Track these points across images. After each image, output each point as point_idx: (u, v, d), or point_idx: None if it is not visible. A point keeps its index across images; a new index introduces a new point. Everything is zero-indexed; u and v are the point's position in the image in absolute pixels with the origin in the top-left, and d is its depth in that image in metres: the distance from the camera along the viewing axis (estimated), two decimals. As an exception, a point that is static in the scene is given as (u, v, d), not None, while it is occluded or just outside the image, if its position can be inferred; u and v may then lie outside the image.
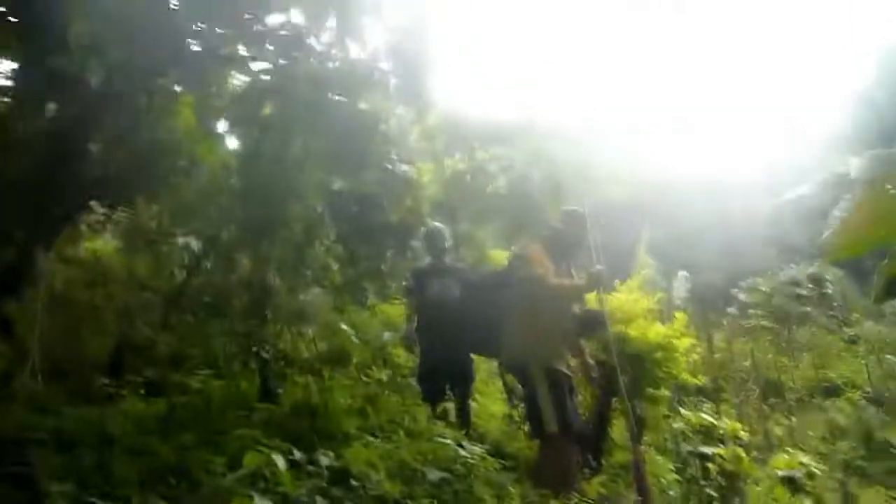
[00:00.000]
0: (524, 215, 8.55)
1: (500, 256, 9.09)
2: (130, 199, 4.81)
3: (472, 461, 4.00)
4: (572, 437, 5.01)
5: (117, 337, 4.60)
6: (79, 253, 5.24)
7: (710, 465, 6.60)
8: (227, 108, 4.71)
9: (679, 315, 6.48)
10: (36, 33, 3.81)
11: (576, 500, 4.71)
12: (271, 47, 4.55)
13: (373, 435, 4.05)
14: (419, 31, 4.81)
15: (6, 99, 4.26)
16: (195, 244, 4.87)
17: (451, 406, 5.77)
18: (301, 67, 4.61)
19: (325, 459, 3.32)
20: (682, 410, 7.90)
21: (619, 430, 6.00)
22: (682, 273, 15.66)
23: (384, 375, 5.94)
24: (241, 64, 4.57)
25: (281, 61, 4.58)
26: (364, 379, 5.48)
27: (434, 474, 3.67)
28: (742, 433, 7.67)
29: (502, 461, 4.81)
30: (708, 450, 6.75)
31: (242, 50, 4.49)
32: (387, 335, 6.71)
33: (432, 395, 5.57)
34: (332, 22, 4.67)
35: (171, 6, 4.09)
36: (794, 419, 12.16)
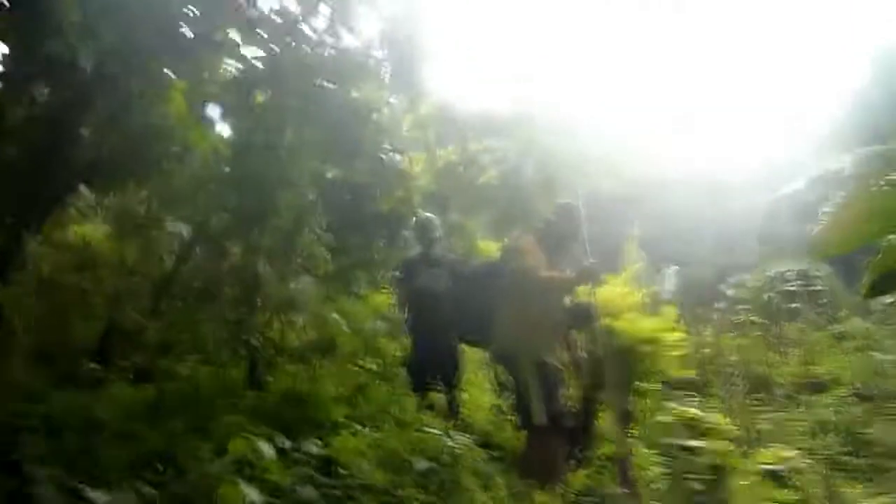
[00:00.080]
0: (516, 207, 8.58)
1: (490, 248, 9.09)
2: (121, 184, 4.78)
3: (459, 451, 4.02)
4: (560, 428, 5.03)
5: (106, 322, 4.58)
6: (68, 237, 5.21)
7: (696, 458, 6.63)
8: (219, 95, 4.69)
9: (668, 309, 6.50)
10: (28, 17, 3.77)
11: (562, 491, 4.74)
12: (264, 34, 4.53)
13: (361, 424, 4.05)
14: (413, 20, 4.81)
15: (-3, 82, 4.22)
16: (185, 231, 4.85)
17: (439, 396, 5.79)
18: (294, 55, 4.59)
19: (313, 448, 3.33)
20: (669, 404, 7.93)
21: (606, 422, 6.03)
22: (673, 267, 15.70)
23: (373, 365, 5.94)
24: (233, 50, 4.55)
25: (274, 48, 4.56)
26: (353, 368, 5.48)
27: (421, 464, 3.69)
28: (728, 427, 7.71)
29: (490, 452, 4.83)
30: (694, 443, 6.77)
31: (235, 36, 4.46)
32: (377, 325, 6.71)
33: (421, 385, 5.58)
34: (325, 9, 4.67)
35: (164, -9, 4.06)
36: (780, 414, 12.21)
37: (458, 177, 9.34)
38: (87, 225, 5.44)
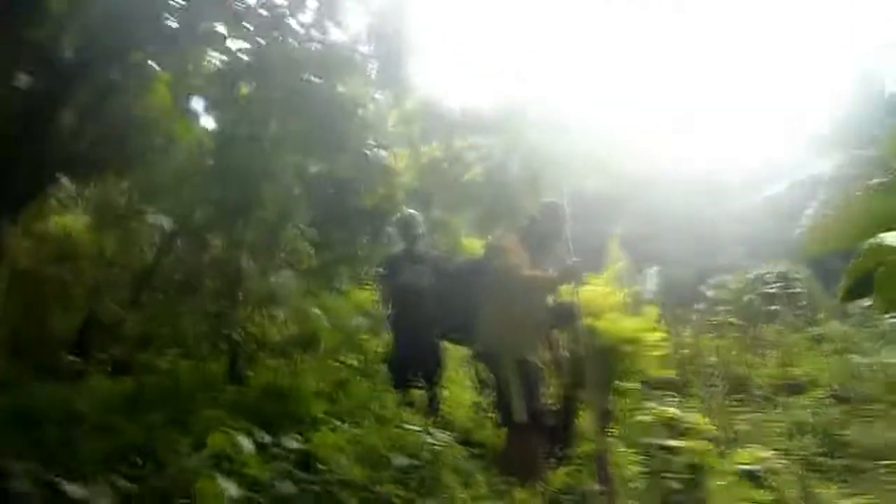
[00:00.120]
0: (500, 204, 8.59)
1: (474, 245, 9.10)
2: (102, 175, 4.74)
3: (439, 448, 4.02)
4: (540, 426, 5.05)
5: (85, 314, 4.54)
6: (48, 228, 5.16)
7: (674, 458, 6.67)
8: (203, 87, 4.66)
9: (648, 309, 6.53)
10: (9, 3, 3.73)
11: (541, 489, 4.75)
12: (250, 26, 4.50)
13: (341, 420, 4.05)
14: (400, 15, 4.79)
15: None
16: (167, 223, 4.82)
17: (420, 393, 5.79)
18: (280, 48, 4.57)
19: (293, 443, 3.32)
20: (649, 403, 7.97)
21: (586, 421, 6.05)
22: (654, 267, 15.80)
23: (354, 361, 5.93)
24: (219, 42, 4.52)
25: (260, 41, 4.54)
26: (334, 364, 5.47)
27: (401, 460, 3.69)
28: (707, 427, 7.76)
29: (469, 449, 4.84)
30: (672, 443, 6.81)
31: (221, 28, 4.43)
32: (359, 321, 6.70)
33: (402, 382, 5.58)
34: (313, 3, 4.64)
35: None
36: (758, 415, 12.31)
37: (443, 173, 9.34)
38: (68, 216, 5.39)
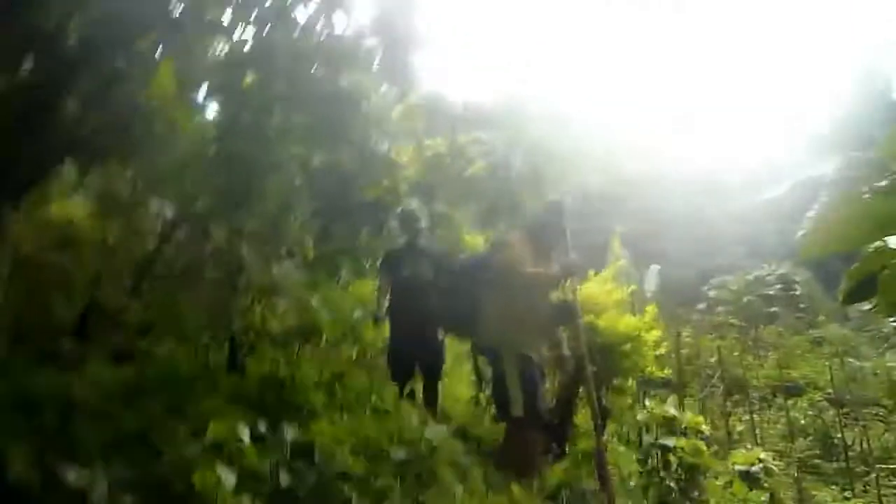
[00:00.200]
0: (503, 200, 8.57)
1: (476, 240, 9.10)
2: (104, 162, 4.73)
3: (436, 442, 4.02)
4: (539, 422, 5.05)
5: (86, 301, 4.54)
6: (49, 215, 5.16)
7: (671, 456, 6.70)
8: (207, 76, 4.64)
9: (649, 308, 6.54)
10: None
11: (538, 484, 4.76)
12: (256, 16, 4.49)
13: (339, 411, 4.05)
14: (406, 8, 4.78)
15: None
16: (169, 211, 4.81)
17: (418, 386, 5.79)
18: (285, 38, 4.56)
19: (290, 433, 3.32)
20: (647, 402, 7.99)
21: (583, 418, 6.06)
22: (654, 266, 15.82)
23: (353, 352, 5.94)
24: (223, 31, 4.51)
25: (265, 31, 4.53)
26: (333, 355, 5.47)
27: (398, 453, 3.69)
28: (704, 427, 7.79)
29: (467, 443, 4.84)
30: (670, 442, 6.84)
31: (226, 17, 4.42)
32: (358, 313, 6.71)
33: (401, 375, 5.58)
34: (319, -6, 4.63)
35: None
36: (755, 416, 12.35)
37: (446, 168, 9.32)
38: (70, 203, 5.38)
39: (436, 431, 4.10)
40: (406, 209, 6.62)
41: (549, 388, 5.86)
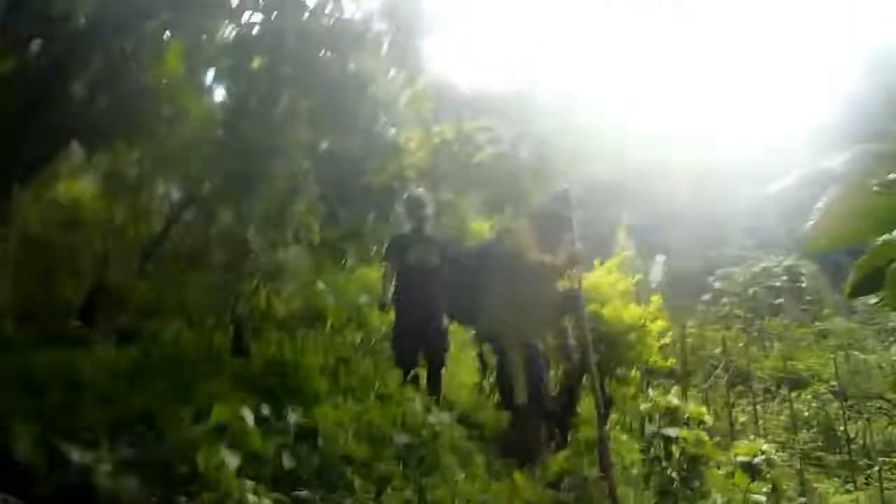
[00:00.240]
0: (508, 188, 8.56)
1: (482, 227, 9.08)
2: (112, 143, 4.73)
3: (439, 428, 4.04)
4: (542, 410, 5.07)
5: (92, 282, 4.56)
6: (57, 196, 5.17)
7: (673, 447, 6.71)
8: (215, 59, 4.64)
9: (653, 298, 6.52)
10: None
11: (539, 472, 4.78)
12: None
13: (343, 396, 4.06)
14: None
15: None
16: (176, 193, 4.82)
17: (422, 372, 5.80)
18: (293, 22, 4.54)
19: (294, 417, 3.33)
20: (650, 392, 8.00)
21: (587, 407, 6.06)
22: (660, 257, 15.78)
23: (358, 337, 5.95)
24: (232, 14, 4.50)
25: (273, 14, 4.51)
26: (338, 340, 5.48)
27: (401, 438, 3.70)
28: (707, 418, 7.80)
29: (469, 430, 4.85)
30: (672, 432, 6.85)
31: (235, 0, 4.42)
32: (363, 298, 6.71)
33: (405, 361, 5.59)
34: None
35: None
36: (758, 408, 12.36)
37: (453, 155, 9.30)
38: (78, 184, 5.40)
39: (439, 417, 4.12)
40: (413, 195, 6.60)
41: (553, 376, 5.86)
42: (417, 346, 5.89)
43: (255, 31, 4.57)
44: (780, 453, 8.53)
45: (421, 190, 6.85)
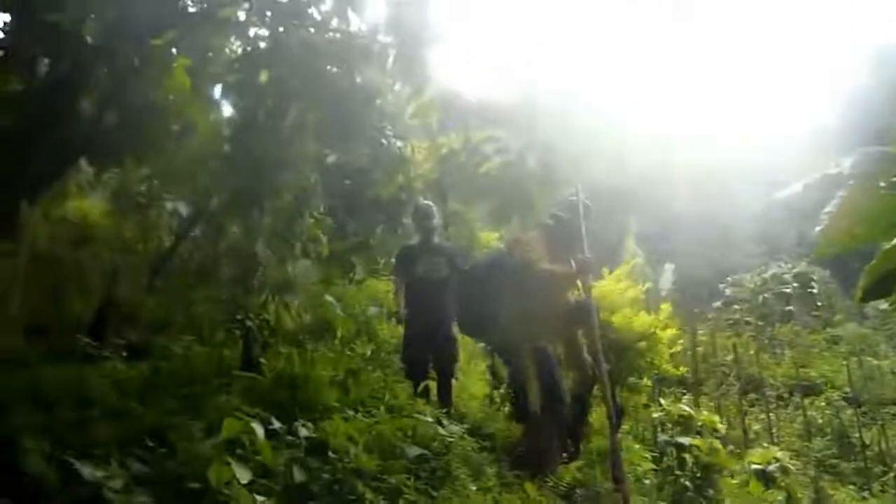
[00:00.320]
0: (516, 197, 8.54)
1: (490, 238, 9.08)
2: (120, 160, 4.76)
3: (450, 440, 4.02)
4: (555, 421, 5.04)
5: (101, 298, 4.57)
6: (66, 212, 5.20)
7: (686, 455, 6.67)
8: (222, 74, 4.66)
9: (664, 306, 6.50)
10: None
11: (551, 483, 4.75)
12: (270, 14, 4.50)
13: (353, 408, 4.05)
14: (420, 5, 4.77)
15: (-2, 52, 4.19)
16: (184, 209, 4.84)
17: (432, 384, 5.78)
18: (299, 36, 4.56)
19: (304, 430, 3.32)
20: (662, 401, 7.96)
21: (598, 416, 6.03)
22: (669, 265, 15.73)
23: (367, 350, 5.94)
24: (238, 29, 4.52)
25: (279, 29, 4.53)
26: (347, 352, 5.48)
27: (412, 451, 3.69)
28: (720, 426, 7.75)
29: (481, 441, 4.83)
30: (685, 440, 6.81)
31: (241, 15, 4.44)
32: (372, 310, 6.71)
33: (415, 372, 5.57)
34: (333, -9, 4.63)
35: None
36: (772, 415, 12.29)
37: (460, 165, 9.30)
38: (86, 200, 5.42)
39: (450, 429, 4.10)
40: (420, 206, 6.60)
41: (567, 386, 5.84)
42: (427, 357, 5.88)
43: (261, 46, 4.59)
44: (794, 461, 8.46)
45: (429, 201, 6.86)
